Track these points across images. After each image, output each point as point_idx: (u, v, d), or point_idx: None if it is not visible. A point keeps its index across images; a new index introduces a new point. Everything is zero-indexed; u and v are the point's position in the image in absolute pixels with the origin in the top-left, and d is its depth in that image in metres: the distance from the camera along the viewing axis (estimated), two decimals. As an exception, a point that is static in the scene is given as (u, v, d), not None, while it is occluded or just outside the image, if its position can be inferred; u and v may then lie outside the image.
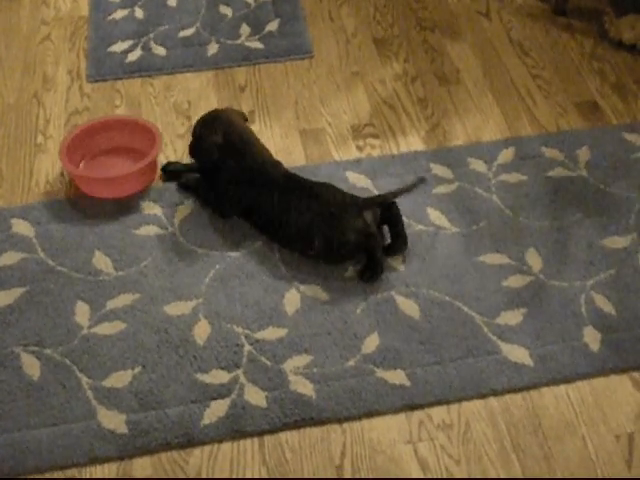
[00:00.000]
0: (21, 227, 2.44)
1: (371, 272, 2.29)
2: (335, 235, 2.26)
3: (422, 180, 2.41)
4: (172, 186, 2.53)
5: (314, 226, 2.28)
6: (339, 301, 2.24)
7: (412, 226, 2.42)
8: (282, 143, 2.67)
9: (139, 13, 3.18)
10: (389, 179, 2.55)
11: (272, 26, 3.10)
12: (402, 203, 2.45)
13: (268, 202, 2.36)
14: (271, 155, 2.46)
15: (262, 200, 2.37)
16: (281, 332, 2.18)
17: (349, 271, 2.31)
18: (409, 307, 2.23)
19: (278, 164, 2.43)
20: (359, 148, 2.65)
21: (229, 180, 2.41)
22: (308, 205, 2.30)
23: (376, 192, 2.50)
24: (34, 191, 2.55)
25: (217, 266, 2.33)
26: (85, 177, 2.52)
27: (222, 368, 2.12)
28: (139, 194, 2.51)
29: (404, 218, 2.41)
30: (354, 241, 2.26)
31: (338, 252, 2.30)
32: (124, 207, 2.48)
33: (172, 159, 2.63)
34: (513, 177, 2.57)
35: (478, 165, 2.60)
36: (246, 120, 2.54)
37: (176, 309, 2.24)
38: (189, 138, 2.64)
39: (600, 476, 1.92)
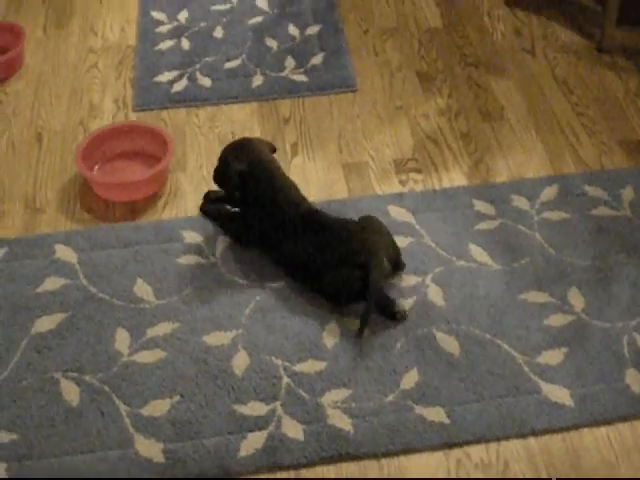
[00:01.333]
0: (64, 253, 2.46)
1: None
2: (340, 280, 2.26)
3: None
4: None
5: (323, 267, 2.28)
6: (379, 336, 2.23)
7: (453, 262, 2.41)
8: (324, 176, 2.68)
9: (185, 44, 3.21)
10: (431, 214, 2.54)
11: (317, 59, 3.12)
12: (444, 238, 2.45)
13: (283, 238, 2.35)
14: (296, 189, 2.43)
15: (278, 235, 2.36)
16: (320, 365, 2.18)
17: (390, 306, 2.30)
18: (449, 344, 2.22)
19: (301, 201, 2.40)
20: (402, 182, 2.65)
21: (248, 210, 2.42)
22: (319, 247, 2.30)
23: (417, 227, 2.50)
24: (78, 217, 2.58)
25: (257, 297, 2.33)
26: (101, 181, 2.64)
27: (260, 400, 2.11)
28: (178, 222, 2.53)
29: (444, 253, 2.40)
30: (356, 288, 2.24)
31: (343, 294, 2.28)
32: (166, 235, 2.49)
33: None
34: (556, 215, 2.55)
35: (521, 202, 2.59)
36: (274, 151, 2.51)
37: (216, 339, 2.24)
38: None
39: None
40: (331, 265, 2.27)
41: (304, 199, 2.42)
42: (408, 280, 2.37)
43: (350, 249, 2.26)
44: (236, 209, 2.52)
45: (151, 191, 2.63)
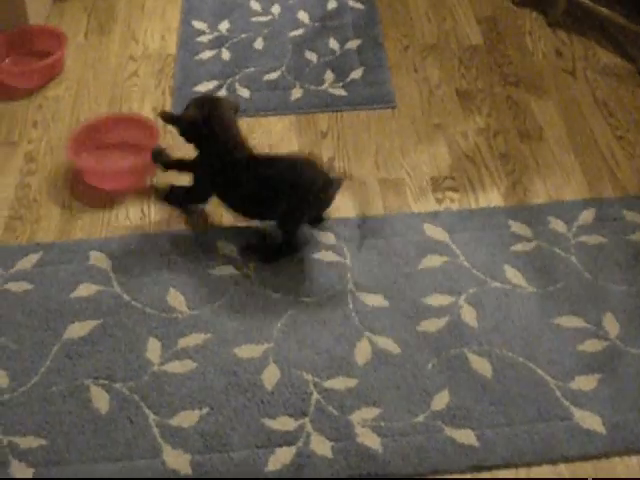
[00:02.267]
0: (99, 260, 2.47)
1: (269, 256, 2.46)
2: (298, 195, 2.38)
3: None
4: (248, 229, 2.54)
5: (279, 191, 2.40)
6: (411, 355, 2.22)
7: (488, 283, 2.39)
8: (361, 191, 2.67)
9: (226, 54, 3.22)
10: (466, 234, 2.53)
11: (356, 74, 3.11)
12: (479, 258, 2.43)
13: (233, 181, 2.45)
14: (244, 140, 2.51)
15: (228, 178, 2.46)
16: (350, 382, 2.17)
17: (422, 325, 2.29)
18: (481, 366, 2.20)
19: (247, 147, 2.49)
20: (438, 201, 2.64)
21: (201, 160, 2.52)
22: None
23: (453, 246, 2.49)
24: (114, 225, 2.59)
25: (290, 311, 2.33)
26: (91, 169, 2.74)
27: (289, 415, 2.10)
28: (213, 233, 2.53)
29: (479, 273, 2.39)
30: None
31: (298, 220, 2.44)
32: (201, 246, 2.49)
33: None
34: (593, 239, 2.53)
35: (558, 225, 2.57)
36: (237, 111, 2.56)
37: (247, 352, 2.24)
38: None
39: None
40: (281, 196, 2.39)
41: (249, 148, 2.50)
42: (441, 299, 2.35)
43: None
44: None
45: (137, 180, 2.73)
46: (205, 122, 2.45)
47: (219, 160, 2.46)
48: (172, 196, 2.64)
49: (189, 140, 2.51)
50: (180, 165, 2.62)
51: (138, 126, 2.85)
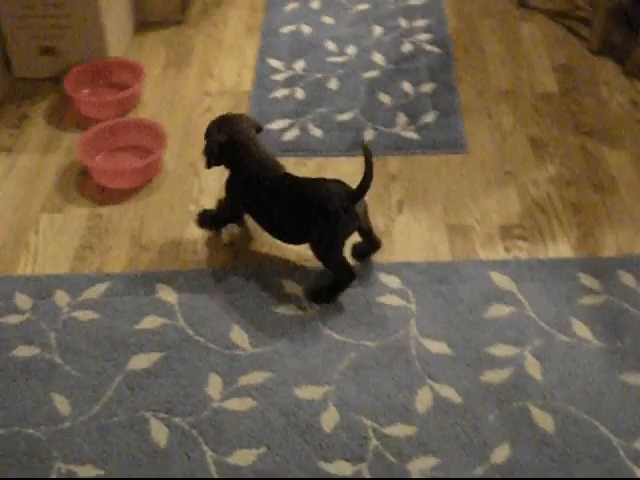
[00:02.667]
0: (165, 293, 2.49)
1: (326, 295, 2.46)
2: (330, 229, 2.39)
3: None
4: (316, 269, 2.54)
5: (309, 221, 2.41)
6: (472, 405, 2.19)
7: (554, 335, 2.36)
8: (428, 236, 2.66)
9: (300, 93, 3.24)
10: (534, 284, 2.49)
11: (429, 118, 3.11)
12: (546, 310, 2.40)
13: (263, 201, 2.48)
14: (270, 157, 2.55)
15: (258, 199, 2.50)
16: (410, 430, 2.15)
17: (485, 375, 2.26)
18: (544, 420, 2.16)
19: (275, 167, 2.52)
20: (506, 249, 2.61)
21: (232, 179, 2.56)
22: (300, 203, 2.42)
23: (520, 296, 2.46)
24: (181, 258, 2.61)
25: (352, 354, 2.32)
26: (101, 169, 2.88)
27: (346, 459, 2.09)
28: (280, 271, 2.54)
29: (545, 325, 2.36)
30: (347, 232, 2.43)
31: (332, 244, 2.42)
32: (267, 283, 2.50)
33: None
34: (664, 296, 2.49)
35: (628, 279, 2.52)
36: (259, 130, 2.62)
37: (307, 393, 2.23)
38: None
39: None
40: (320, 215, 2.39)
41: (279, 166, 2.54)
42: (506, 350, 2.32)
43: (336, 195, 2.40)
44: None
45: (143, 180, 2.89)
46: (229, 142, 2.50)
47: (247, 177, 2.50)
48: (204, 219, 2.67)
49: (218, 163, 2.56)
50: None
51: (147, 130, 3.00)
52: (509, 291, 2.48)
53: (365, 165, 2.36)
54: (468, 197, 2.80)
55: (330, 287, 2.47)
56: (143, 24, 3.66)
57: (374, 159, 2.41)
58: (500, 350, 2.32)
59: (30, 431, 2.16)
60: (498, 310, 2.42)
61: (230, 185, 2.58)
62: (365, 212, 2.47)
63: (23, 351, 2.35)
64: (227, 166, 2.56)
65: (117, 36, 3.39)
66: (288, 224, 2.48)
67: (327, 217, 2.37)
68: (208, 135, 2.56)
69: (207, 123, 3.06)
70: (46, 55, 3.30)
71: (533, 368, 2.28)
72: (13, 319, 2.44)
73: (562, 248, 2.62)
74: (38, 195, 2.85)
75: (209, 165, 2.53)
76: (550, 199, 2.79)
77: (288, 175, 2.51)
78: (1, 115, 3.19)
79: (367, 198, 2.73)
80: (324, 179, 2.46)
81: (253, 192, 2.50)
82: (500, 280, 2.51)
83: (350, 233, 2.45)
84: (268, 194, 2.47)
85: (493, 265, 2.56)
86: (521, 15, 3.68)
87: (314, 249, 2.45)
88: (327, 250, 2.43)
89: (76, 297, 2.49)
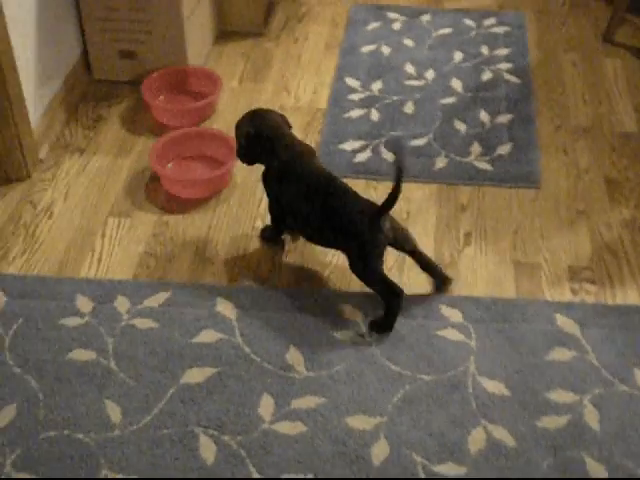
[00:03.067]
0: (225, 307, 2.49)
1: (384, 323, 2.42)
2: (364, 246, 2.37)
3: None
4: (371, 295, 2.50)
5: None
6: (526, 450, 2.14)
7: (615, 385, 2.30)
8: (495, 271, 2.62)
9: (375, 115, 3.22)
10: (599, 330, 2.43)
11: (504, 149, 3.07)
12: (609, 357, 2.34)
13: (295, 195, 2.50)
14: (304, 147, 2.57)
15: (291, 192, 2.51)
16: (460, 470, 2.10)
17: (541, 421, 2.21)
18: (598, 472, 2.10)
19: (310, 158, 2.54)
20: (573, 291, 2.56)
21: (267, 172, 2.59)
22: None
23: (583, 341, 2.40)
24: (243, 274, 2.60)
25: (407, 386, 2.28)
26: (173, 178, 2.89)
27: (394, 495, 2.06)
28: (341, 295, 2.52)
29: (607, 374, 2.30)
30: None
31: (362, 258, 2.39)
32: (327, 307, 2.48)
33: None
34: None
35: (697, 333, 2.45)
36: (289, 127, 2.63)
37: (359, 423, 2.20)
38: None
39: None
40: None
41: (312, 157, 2.55)
42: (565, 396, 2.27)
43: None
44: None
45: (213, 191, 2.90)
46: (258, 134, 2.53)
47: (280, 168, 2.52)
48: (265, 232, 2.71)
49: (251, 158, 2.59)
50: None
51: (218, 141, 3.02)
52: (573, 335, 2.42)
53: (394, 182, 2.33)
54: (538, 234, 2.75)
55: (386, 314, 2.43)
56: (224, 34, 3.68)
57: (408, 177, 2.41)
58: (559, 396, 2.27)
59: (80, 436, 2.17)
60: (560, 354, 2.37)
61: (265, 179, 2.60)
62: (401, 231, 2.45)
63: (80, 355, 2.36)
64: (261, 161, 2.59)
65: (197, 44, 3.41)
66: (315, 226, 2.48)
67: (350, 230, 2.37)
68: (237, 128, 2.59)
69: (280, 138, 3.07)
70: (126, 59, 3.33)
71: (591, 417, 2.22)
72: (73, 321, 2.45)
73: (631, 295, 2.55)
74: (107, 198, 2.87)
75: (239, 156, 2.59)
76: (622, 243, 2.73)
77: (320, 174, 2.50)
78: (78, 116, 3.23)
79: (434, 226, 2.71)
80: (353, 193, 2.45)
81: (286, 184, 2.51)
82: (564, 323, 2.46)
83: (379, 248, 2.37)
84: (301, 189, 2.47)
85: (558, 307, 2.50)
86: (605, 50, 3.62)
87: (350, 265, 2.44)
88: (361, 265, 2.40)
89: (136, 304, 2.49)
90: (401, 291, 2.39)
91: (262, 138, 2.53)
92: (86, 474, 2.09)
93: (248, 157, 2.58)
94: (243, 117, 2.59)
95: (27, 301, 2.50)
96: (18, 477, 2.08)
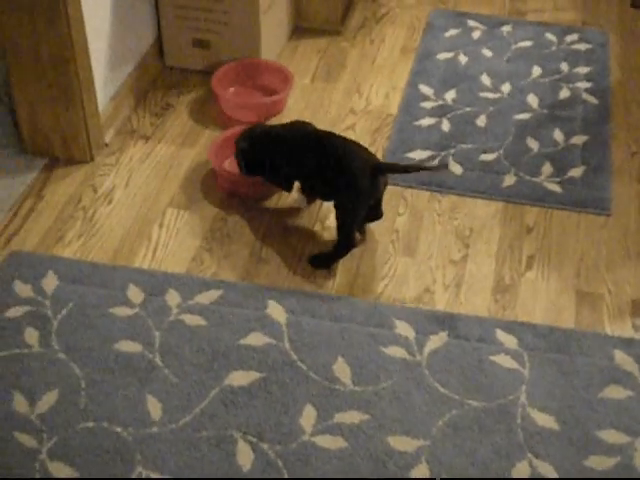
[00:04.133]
0: (275, 311, 2.45)
1: (324, 262, 2.60)
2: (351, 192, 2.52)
3: (443, 167, 2.79)
4: (425, 312, 2.45)
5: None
6: (571, 489, 2.07)
7: (671, 430, 2.21)
8: (555, 298, 2.54)
9: (446, 125, 3.15)
10: (659, 370, 2.35)
11: (576, 172, 2.97)
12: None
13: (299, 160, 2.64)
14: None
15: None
16: (501, 504, 2.05)
17: (589, 460, 2.13)
18: (646, 521, 2.03)
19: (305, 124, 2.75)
20: (635, 327, 2.47)
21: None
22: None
23: (641, 380, 2.32)
24: (299, 277, 2.56)
25: (454, 411, 2.22)
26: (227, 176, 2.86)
27: (430, 523, 2.00)
28: (394, 309, 2.46)
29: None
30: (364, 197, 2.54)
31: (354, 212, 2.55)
32: (379, 320, 2.43)
33: (440, 285, 2.55)
34: None
35: None
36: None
37: (400, 444, 2.14)
38: (463, 266, 2.59)
39: None
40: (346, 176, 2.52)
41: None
42: (616, 437, 2.18)
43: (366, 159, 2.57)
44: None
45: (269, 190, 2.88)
46: (253, 144, 2.70)
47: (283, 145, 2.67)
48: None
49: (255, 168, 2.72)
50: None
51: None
52: (630, 373, 2.34)
53: (412, 169, 2.74)
54: (603, 263, 2.66)
55: (331, 255, 2.60)
56: (300, 30, 3.63)
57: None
58: (610, 436, 2.19)
59: (118, 429, 2.15)
60: (615, 392, 2.28)
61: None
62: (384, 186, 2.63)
63: (126, 346, 2.34)
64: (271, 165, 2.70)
65: (272, 39, 3.37)
66: (318, 180, 2.61)
67: (354, 186, 2.50)
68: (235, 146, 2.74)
69: (347, 142, 3.02)
70: (199, 47, 3.30)
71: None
72: (122, 311, 2.43)
73: (695, 336, 2.46)
74: (168, 188, 2.84)
75: (241, 171, 2.74)
76: (691, 281, 2.63)
77: (318, 133, 2.68)
78: (146, 102, 3.21)
79: (497, 246, 2.65)
80: (355, 144, 2.61)
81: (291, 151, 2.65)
82: (623, 360, 2.37)
83: (369, 201, 2.56)
84: (304, 150, 2.63)
85: (618, 342, 2.42)
86: (689, 76, 3.50)
87: (337, 211, 2.57)
88: (349, 216, 2.55)
89: (187, 300, 2.47)
90: (354, 245, 2.61)
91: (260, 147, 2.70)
92: (121, 469, 2.07)
93: (253, 169, 2.73)
94: (239, 139, 2.74)
95: (79, 287, 2.49)
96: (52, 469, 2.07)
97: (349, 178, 2.50)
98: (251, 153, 2.69)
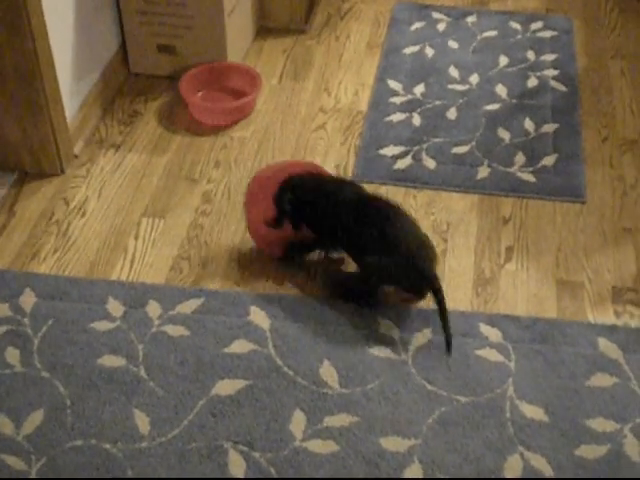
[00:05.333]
0: (258, 317, 2.43)
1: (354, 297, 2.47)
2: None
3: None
4: (409, 310, 2.45)
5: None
6: (562, 480, 2.08)
7: (659, 414, 2.22)
8: (535, 289, 2.54)
9: (417, 120, 3.14)
10: (643, 356, 2.36)
11: (548, 161, 2.98)
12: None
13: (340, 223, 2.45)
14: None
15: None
16: (496, 499, 2.05)
17: (580, 450, 2.14)
18: (640, 508, 2.04)
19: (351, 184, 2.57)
20: (617, 313, 2.48)
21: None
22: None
23: (626, 367, 2.32)
24: (279, 281, 2.54)
25: (443, 408, 2.22)
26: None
27: (426, 522, 2.00)
28: (380, 310, 2.46)
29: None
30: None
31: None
32: (363, 321, 2.42)
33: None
34: None
35: None
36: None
37: (392, 444, 2.14)
38: (442, 261, 2.59)
39: None
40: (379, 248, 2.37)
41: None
42: (605, 425, 2.19)
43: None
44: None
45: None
46: (297, 198, 2.48)
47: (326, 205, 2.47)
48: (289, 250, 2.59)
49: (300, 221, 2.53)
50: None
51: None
52: (615, 360, 2.35)
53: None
54: (582, 251, 2.67)
55: (359, 296, 2.48)
56: (264, 30, 3.61)
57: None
58: (599, 424, 2.20)
59: (107, 446, 2.12)
60: (601, 380, 2.29)
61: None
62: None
63: (109, 360, 2.32)
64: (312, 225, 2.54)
65: (238, 41, 3.34)
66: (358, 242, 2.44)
67: (399, 259, 2.36)
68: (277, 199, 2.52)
69: (319, 141, 3.02)
70: (164, 53, 3.27)
71: (632, 448, 2.15)
72: (103, 325, 2.40)
73: (677, 319, 2.48)
74: (141, 197, 2.82)
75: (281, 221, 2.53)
76: (669, 264, 2.65)
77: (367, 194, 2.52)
78: (114, 110, 3.17)
79: (475, 239, 2.66)
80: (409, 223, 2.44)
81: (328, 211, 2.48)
82: (607, 347, 2.38)
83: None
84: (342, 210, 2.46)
85: (601, 330, 2.42)
86: (655, 59, 3.52)
87: (364, 268, 2.44)
88: (374, 281, 2.45)
89: (168, 310, 2.44)
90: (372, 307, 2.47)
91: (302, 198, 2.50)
92: (112, 486, 2.05)
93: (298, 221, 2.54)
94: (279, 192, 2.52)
95: (57, 303, 2.46)
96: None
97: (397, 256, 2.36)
98: (300, 206, 2.50)
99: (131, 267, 2.58)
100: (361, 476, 2.07)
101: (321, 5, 3.79)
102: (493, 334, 2.40)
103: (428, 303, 2.46)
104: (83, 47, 2.99)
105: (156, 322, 2.41)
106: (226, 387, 2.26)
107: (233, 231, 2.70)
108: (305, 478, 2.05)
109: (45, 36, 2.68)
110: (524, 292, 2.53)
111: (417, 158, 2.96)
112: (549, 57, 3.49)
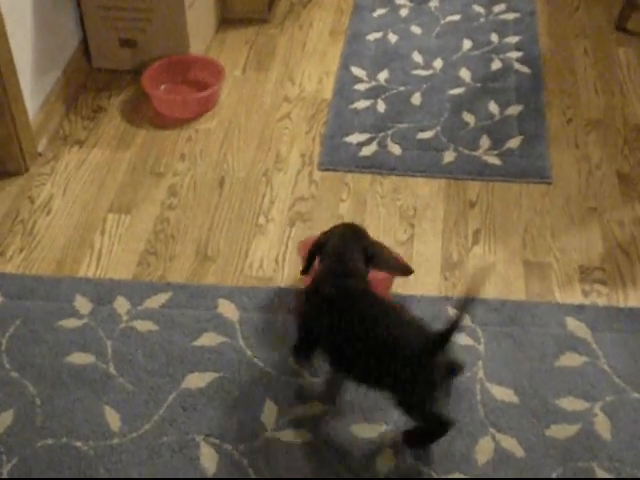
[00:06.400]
0: (226, 309, 2.43)
1: (421, 441, 2.10)
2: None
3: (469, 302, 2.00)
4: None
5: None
6: (535, 460, 2.08)
7: (627, 392, 2.23)
8: (503, 271, 2.55)
9: (381, 106, 3.14)
10: (611, 334, 2.37)
11: (513, 143, 2.98)
12: (621, 363, 2.28)
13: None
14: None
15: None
16: (466, 481, 2.05)
17: (551, 429, 2.15)
18: (609, 484, 2.05)
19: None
20: (584, 293, 2.49)
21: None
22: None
23: (594, 346, 2.34)
24: (246, 273, 2.54)
25: (414, 394, 2.22)
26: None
27: (399, 508, 2.01)
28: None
29: (619, 380, 2.25)
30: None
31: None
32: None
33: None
34: None
35: None
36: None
37: (363, 431, 2.14)
38: (410, 246, 2.58)
39: None
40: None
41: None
42: (575, 404, 2.20)
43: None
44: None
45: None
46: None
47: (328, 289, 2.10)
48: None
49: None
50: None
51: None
52: (583, 339, 2.36)
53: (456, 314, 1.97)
54: (548, 232, 2.68)
55: (427, 436, 2.10)
56: (226, 21, 3.59)
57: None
58: (569, 403, 2.21)
59: (78, 444, 2.11)
60: (570, 359, 2.31)
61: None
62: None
63: (78, 358, 2.31)
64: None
65: (200, 32, 3.33)
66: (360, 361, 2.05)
67: (408, 370, 1.97)
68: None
69: (284, 131, 3.01)
70: (126, 47, 3.25)
71: (602, 426, 2.16)
72: (71, 323, 2.39)
73: (644, 296, 2.49)
74: (107, 193, 2.80)
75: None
76: (635, 242, 2.65)
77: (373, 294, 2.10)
78: (78, 106, 3.15)
79: (442, 223, 2.65)
80: (406, 319, 2.07)
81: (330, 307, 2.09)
82: (575, 326, 2.39)
83: (435, 386, 2.00)
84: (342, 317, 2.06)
85: (569, 309, 2.43)
86: (618, 39, 3.52)
87: (398, 403, 2.05)
88: (415, 407, 2.04)
89: (136, 305, 2.43)
90: (450, 423, 2.05)
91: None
92: (84, 484, 2.04)
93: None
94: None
95: (24, 302, 2.44)
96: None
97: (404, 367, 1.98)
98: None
99: (98, 263, 2.57)
100: (334, 464, 2.07)
101: (283, -6, 3.78)
102: (462, 318, 2.40)
103: (395, 287, 2.46)
104: (43, 44, 2.96)
105: (124, 318, 2.40)
106: (196, 380, 2.25)
107: (200, 224, 2.69)
108: (295, 478, 2.05)
109: (3, 34, 2.65)
110: (492, 275, 2.54)
111: (382, 144, 2.96)
112: (512, 39, 3.49)
